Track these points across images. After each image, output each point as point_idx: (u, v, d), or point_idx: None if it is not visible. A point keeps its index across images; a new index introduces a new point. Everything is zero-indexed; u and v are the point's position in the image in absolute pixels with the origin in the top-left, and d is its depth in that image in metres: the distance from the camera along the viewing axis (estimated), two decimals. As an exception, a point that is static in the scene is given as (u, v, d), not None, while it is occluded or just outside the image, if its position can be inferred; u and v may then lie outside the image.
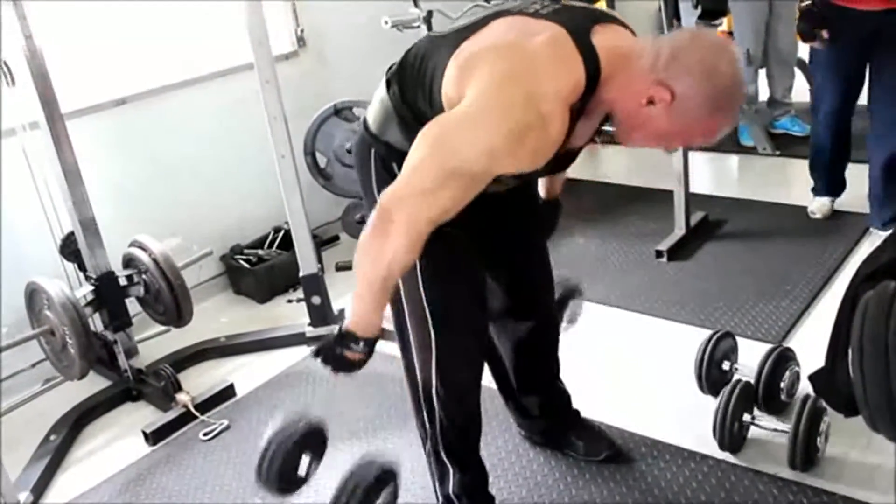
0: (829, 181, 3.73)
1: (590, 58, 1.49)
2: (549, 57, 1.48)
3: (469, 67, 1.52)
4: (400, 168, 1.56)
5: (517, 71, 1.46)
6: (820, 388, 1.32)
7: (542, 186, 2.22)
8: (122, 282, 2.98)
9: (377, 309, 1.60)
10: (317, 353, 1.68)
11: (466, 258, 1.88)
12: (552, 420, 2.43)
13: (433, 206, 1.48)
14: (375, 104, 1.81)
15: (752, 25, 4.54)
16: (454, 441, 2.07)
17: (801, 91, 4.94)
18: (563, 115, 1.47)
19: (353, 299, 1.61)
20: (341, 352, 1.63)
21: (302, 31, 4.07)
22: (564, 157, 1.66)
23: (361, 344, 1.62)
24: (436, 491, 2.17)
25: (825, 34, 3.26)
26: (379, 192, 1.66)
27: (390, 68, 1.80)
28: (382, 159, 1.78)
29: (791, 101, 4.84)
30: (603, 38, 1.53)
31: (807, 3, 3.26)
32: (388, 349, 3.05)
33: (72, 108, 3.07)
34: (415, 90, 1.69)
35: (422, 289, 1.86)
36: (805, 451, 2.07)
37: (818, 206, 3.75)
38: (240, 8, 2.85)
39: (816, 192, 3.79)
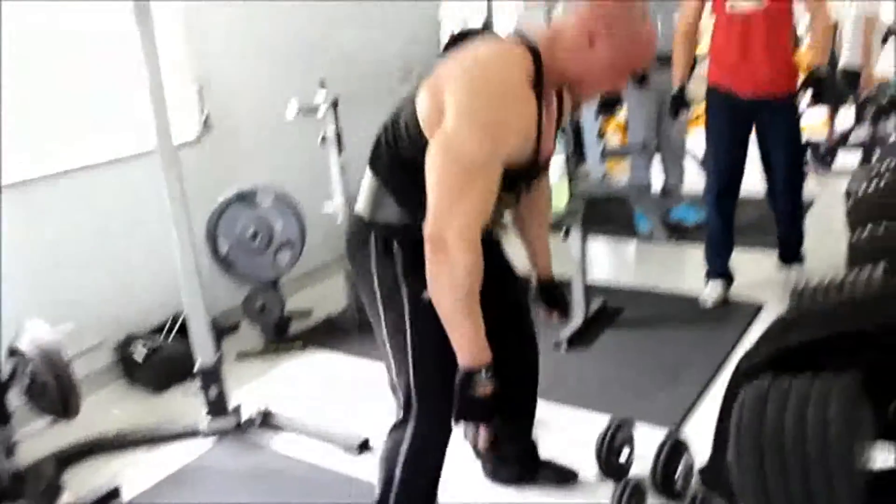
0: (715, 259, 3.95)
1: (525, 39, 1.75)
2: (499, 50, 1.75)
3: (438, 87, 1.70)
4: (399, 244, 1.81)
5: (481, 69, 1.68)
6: (707, 479, 1.34)
7: (532, 269, 2.30)
8: (5, 374, 2.82)
9: (478, 330, 1.69)
10: (458, 417, 1.77)
11: None
12: (526, 464, 2.57)
13: (471, 207, 1.62)
14: (364, 194, 1.93)
15: (644, 117, 4.77)
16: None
17: (694, 182, 5.18)
18: (528, 91, 1.69)
19: (454, 338, 1.70)
20: (474, 394, 1.69)
21: (207, 115, 4.05)
22: (546, 163, 1.91)
23: (483, 373, 1.70)
24: None
25: (683, 118, 3.91)
26: (378, 271, 1.87)
27: (372, 157, 1.95)
28: (384, 240, 1.87)
29: (684, 190, 5.06)
30: (532, 31, 1.80)
31: (673, 90, 3.82)
32: (281, 443, 3.01)
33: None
34: (395, 147, 1.83)
35: (411, 366, 1.92)
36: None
37: (711, 289, 3.90)
38: (143, 92, 2.82)
39: (709, 275, 3.96)
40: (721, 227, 3.88)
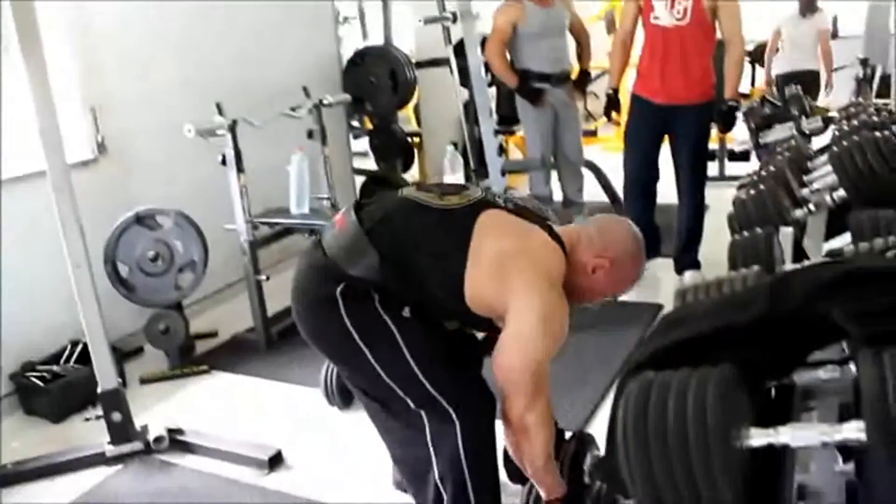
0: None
1: (561, 247, 2.03)
2: (549, 253, 2.00)
3: (501, 276, 1.94)
4: (375, 290, 1.95)
5: (541, 271, 1.96)
6: (601, 474, 1.41)
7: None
8: None
9: (556, 468, 2.07)
10: None
11: (462, 345, 2.21)
12: None
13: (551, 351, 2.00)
14: (347, 249, 2.01)
15: (539, 132, 4.92)
16: None
17: (592, 192, 5.34)
18: (563, 265, 2.03)
19: (541, 481, 2.04)
20: None
21: (102, 137, 3.97)
22: None
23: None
24: None
25: (616, 116, 4.38)
26: (352, 314, 1.96)
27: (360, 209, 2.08)
28: (355, 288, 1.96)
29: (583, 201, 5.21)
30: (562, 233, 2.09)
31: (608, 91, 4.36)
32: (191, 462, 2.97)
33: None
34: (407, 256, 1.99)
35: (421, 377, 1.99)
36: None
37: None
38: (31, 112, 2.76)
39: None
40: (639, 207, 4.27)
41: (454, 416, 2.00)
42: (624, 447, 1.14)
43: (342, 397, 3.11)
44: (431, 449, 2.03)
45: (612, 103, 4.39)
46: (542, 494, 2.03)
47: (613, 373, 3.31)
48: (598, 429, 2.87)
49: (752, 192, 2.44)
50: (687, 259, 4.22)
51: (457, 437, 2.01)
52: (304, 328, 2.10)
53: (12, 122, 3.54)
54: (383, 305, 1.97)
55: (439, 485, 2.05)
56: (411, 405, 2.02)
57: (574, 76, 5.07)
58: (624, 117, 4.61)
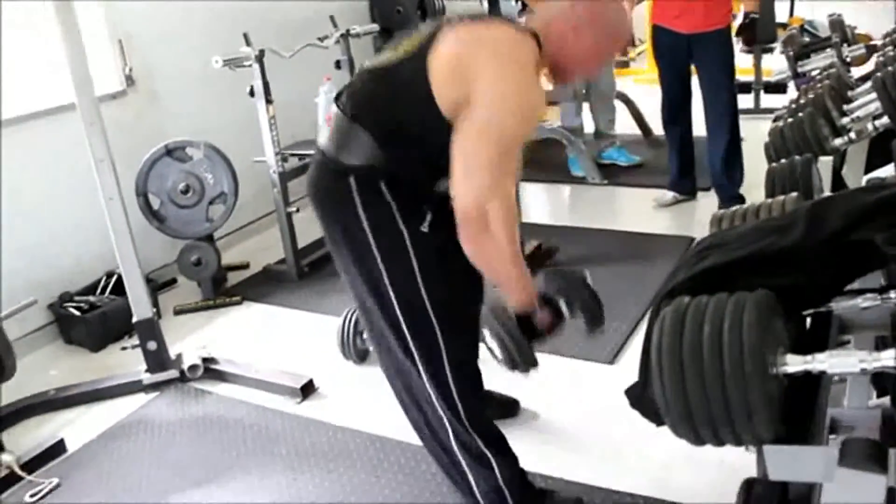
0: (673, 176, 4.36)
1: (528, 28, 1.91)
2: (515, 37, 1.84)
3: (461, 64, 1.77)
4: (387, 186, 1.87)
5: (509, 54, 1.79)
6: (633, 401, 1.40)
7: None
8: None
9: (526, 276, 1.87)
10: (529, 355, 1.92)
11: (459, 259, 1.93)
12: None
13: (510, 177, 1.80)
14: (334, 136, 1.96)
15: None
16: (484, 427, 2.12)
17: (624, 124, 5.26)
18: (536, 72, 1.85)
19: (510, 291, 1.86)
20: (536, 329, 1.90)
21: (130, 69, 3.96)
22: None
23: (538, 307, 1.90)
24: (476, 497, 2.13)
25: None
26: (369, 218, 1.90)
27: (340, 96, 2.00)
28: (366, 182, 1.89)
29: (615, 133, 5.14)
30: (529, 19, 2.00)
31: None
32: (225, 391, 3.03)
33: None
34: (392, 99, 1.90)
35: (424, 292, 1.96)
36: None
37: (662, 195, 4.42)
38: (60, 45, 2.75)
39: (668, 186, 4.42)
40: (674, 148, 4.29)
41: (441, 340, 2.00)
42: (658, 371, 1.14)
43: (357, 354, 3.10)
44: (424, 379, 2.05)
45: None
46: (511, 306, 1.87)
47: (644, 305, 3.29)
48: (630, 361, 2.89)
49: (791, 120, 2.39)
50: (726, 192, 4.10)
51: (442, 362, 2.03)
52: (322, 224, 2.07)
53: (39, 57, 3.55)
54: (403, 216, 1.91)
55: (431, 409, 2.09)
56: (403, 327, 2.00)
57: None
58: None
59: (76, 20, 2.76)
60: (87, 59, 2.81)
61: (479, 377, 2.19)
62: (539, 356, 2.94)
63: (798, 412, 1.25)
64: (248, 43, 3.71)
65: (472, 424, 2.08)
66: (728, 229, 1.52)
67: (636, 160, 5.09)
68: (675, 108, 4.21)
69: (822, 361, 1.17)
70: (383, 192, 1.90)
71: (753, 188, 3.95)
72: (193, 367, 3.08)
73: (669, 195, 4.39)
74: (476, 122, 1.75)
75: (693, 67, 4.13)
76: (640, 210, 4.55)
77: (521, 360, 1.91)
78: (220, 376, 3.10)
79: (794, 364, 1.17)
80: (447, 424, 2.07)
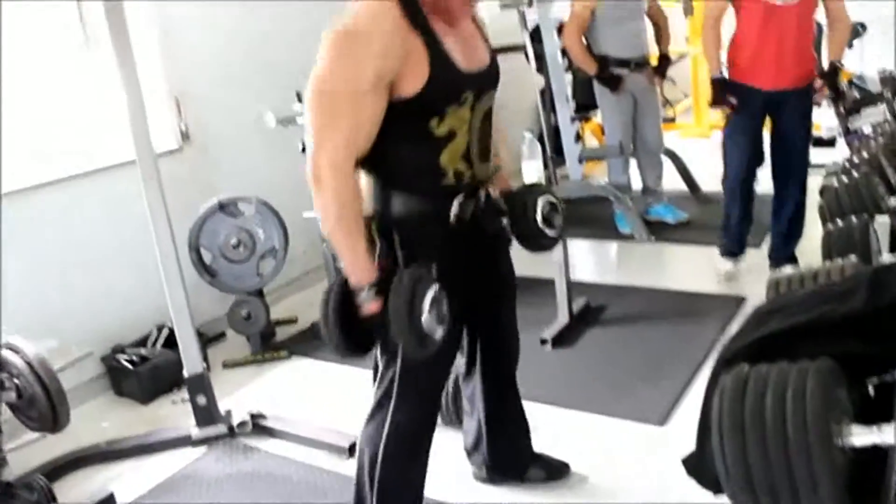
0: (734, 241, 4.07)
1: None
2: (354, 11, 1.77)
3: None
4: (398, 233, 1.87)
5: (339, 19, 1.75)
6: (690, 469, 1.38)
7: (496, 185, 2.17)
8: (-8, 387, 2.83)
9: (358, 251, 1.79)
10: (341, 331, 1.81)
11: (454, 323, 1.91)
12: (518, 457, 2.60)
13: (340, 134, 1.72)
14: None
15: (619, 119, 4.84)
16: None
17: (671, 180, 5.25)
18: (389, 15, 1.74)
19: (341, 259, 1.81)
20: (358, 309, 1.78)
21: (186, 126, 4.07)
22: (483, 72, 1.92)
23: (366, 291, 1.78)
24: None
25: (733, 100, 3.74)
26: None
27: None
28: (381, 230, 1.90)
29: (662, 189, 5.12)
30: None
31: (716, 75, 3.81)
32: (273, 447, 3.03)
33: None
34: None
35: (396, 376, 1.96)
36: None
37: (722, 264, 4.13)
38: (121, 103, 2.84)
39: (723, 252, 4.12)
40: (739, 212, 3.99)
41: (395, 393, 2.00)
42: (719, 439, 1.12)
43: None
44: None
45: (724, 88, 3.81)
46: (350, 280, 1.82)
47: (694, 365, 3.25)
48: (680, 423, 2.84)
49: (845, 179, 2.36)
50: (784, 253, 3.96)
51: (386, 413, 2.02)
52: None
53: (96, 115, 3.67)
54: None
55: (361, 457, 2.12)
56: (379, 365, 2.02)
57: (653, 61, 4.98)
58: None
59: (138, 78, 2.85)
60: (146, 116, 2.90)
61: (419, 450, 2.13)
62: (588, 416, 2.96)
63: (864, 485, 1.22)
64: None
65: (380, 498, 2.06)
66: (786, 294, 1.50)
67: (684, 217, 5.06)
68: (748, 170, 3.91)
69: (889, 432, 1.14)
70: (394, 242, 1.90)
71: (803, 243, 3.90)
72: (242, 423, 3.09)
73: (729, 264, 4.11)
74: (308, 82, 1.78)
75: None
76: (689, 268, 4.51)
77: (328, 341, 1.85)
78: (269, 432, 3.11)
79: (860, 434, 1.15)
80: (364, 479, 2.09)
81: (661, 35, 5.03)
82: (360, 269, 1.80)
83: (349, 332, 1.83)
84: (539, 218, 2.07)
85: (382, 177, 1.90)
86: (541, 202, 2.08)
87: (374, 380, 2.06)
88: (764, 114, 3.79)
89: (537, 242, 2.12)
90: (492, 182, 2.11)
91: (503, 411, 2.48)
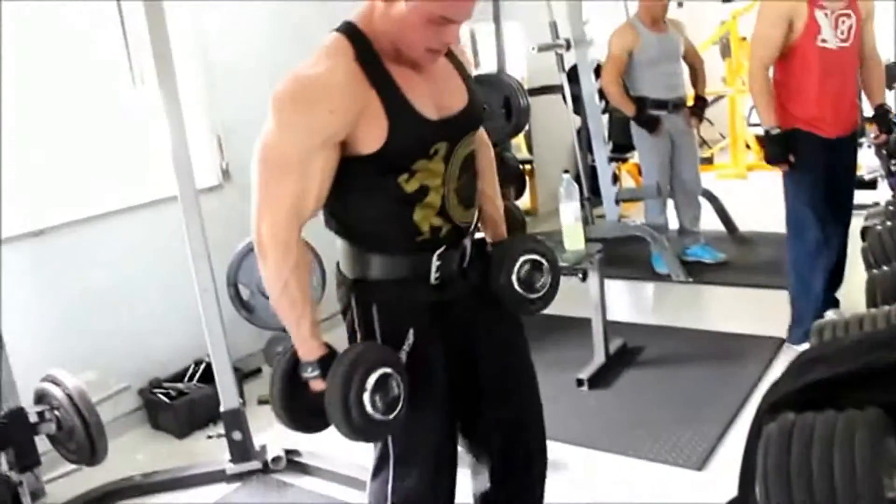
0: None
1: (343, 26, 1.66)
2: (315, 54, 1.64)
3: None
4: (377, 305, 1.73)
5: (285, 76, 1.63)
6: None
7: (484, 230, 2.01)
8: (33, 418, 2.87)
9: (301, 324, 1.67)
10: (285, 405, 1.72)
11: (440, 388, 1.78)
12: None
13: (283, 200, 1.61)
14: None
15: (657, 160, 4.84)
16: None
17: (707, 220, 5.22)
18: (342, 67, 1.59)
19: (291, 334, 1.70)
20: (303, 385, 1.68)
21: (227, 164, 4.14)
22: (458, 117, 1.72)
23: (309, 369, 1.67)
24: None
25: (792, 158, 3.47)
26: (361, 330, 1.78)
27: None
28: (362, 303, 1.78)
29: (700, 230, 5.09)
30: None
31: (775, 130, 3.46)
32: (307, 483, 3.02)
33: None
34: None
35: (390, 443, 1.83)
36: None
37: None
38: (165, 140, 2.89)
39: (795, 337, 3.65)
40: (820, 278, 3.56)
41: (391, 463, 1.85)
42: (764, 492, 1.10)
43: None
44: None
45: (782, 142, 3.46)
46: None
47: (733, 409, 3.20)
48: (720, 468, 2.79)
49: (889, 222, 2.33)
50: (827, 297, 3.71)
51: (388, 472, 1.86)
52: None
53: (140, 151, 3.74)
54: (383, 334, 1.75)
55: None
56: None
57: (690, 102, 4.99)
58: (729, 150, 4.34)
59: (183, 116, 2.91)
60: (190, 154, 2.95)
61: None
62: (624, 459, 2.92)
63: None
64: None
65: None
66: (831, 341, 1.47)
67: (721, 257, 5.03)
68: (826, 231, 3.52)
69: (940, 486, 1.11)
70: (371, 309, 1.76)
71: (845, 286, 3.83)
72: (277, 459, 3.10)
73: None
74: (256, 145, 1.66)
75: None
76: (726, 308, 4.47)
77: (276, 413, 1.76)
78: (303, 469, 3.10)
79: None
80: None
81: (698, 77, 5.05)
82: (305, 344, 1.69)
83: (296, 407, 1.73)
84: (514, 279, 1.86)
85: (352, 237, 1.77)
86: (519, 262, 1.86)
87: None
88: (827, 163, 3.48)
89: (517, 306, 1.90)
90: (484, 227, 1.98)
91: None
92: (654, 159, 4.86)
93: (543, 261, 1.90)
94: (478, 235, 1.90)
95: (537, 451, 2.05)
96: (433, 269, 1.73)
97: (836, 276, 3.68)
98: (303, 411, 1.74)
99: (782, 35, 3.37)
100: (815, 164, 3.47)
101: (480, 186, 1.93)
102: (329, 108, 1.56)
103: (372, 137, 1.60)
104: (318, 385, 1.67)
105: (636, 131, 4.86)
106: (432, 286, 1.75)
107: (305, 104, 1.58)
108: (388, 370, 1.61)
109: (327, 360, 1.65)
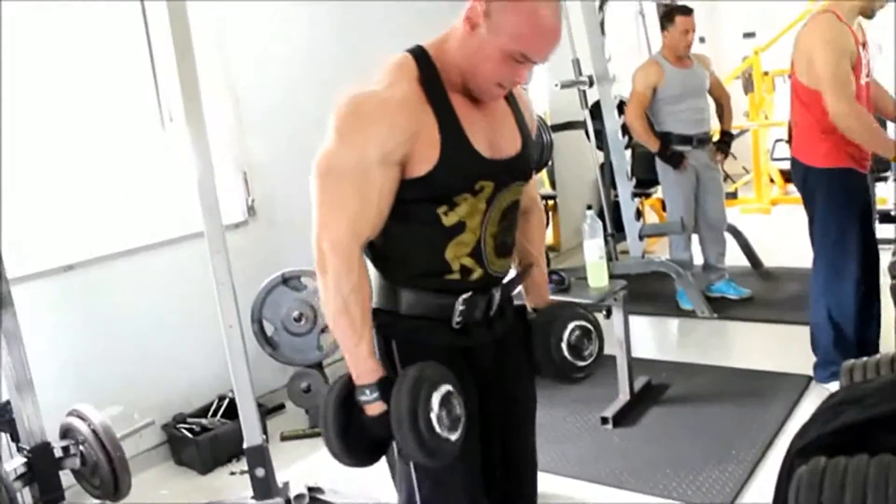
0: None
1: (413, 49, 1.65)
2: (379, 68, 1.63)
3: None
4: (396, 339, 1.69)
5: (351, 88, 1.60)
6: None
7: (527, 296, 1.98)
8: (58, 453, 2.88)
9: (360, 347, 1.59)
10: (341, 434, 1.60)
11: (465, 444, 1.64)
12: None
13: (344, 217, 1.56)
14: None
15: (682, 195, 4.83)
16: None
17: (732, 256, 5.19)
18: (406, 89, 1.58)
19: (343, 350, 1.61)
20: (359, 412, 1.58)
21: (253, 200, 4.18)
22: (509, 162, 1.69)
23: (368, 392, 1.58)
24: None
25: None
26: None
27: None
28: (383, 336, 1.72)
29: (725, 266, 5.06)
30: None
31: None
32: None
33: (17, 274, 3.06)
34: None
35: (415, 484, 1.73)
36: None
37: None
38: (192, 177, 2.93)
39: (822, 376, 3.57)
40: (858, 319, 3.44)
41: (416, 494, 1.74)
42: (796, 538, 1.09)
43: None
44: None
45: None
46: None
47: (760, 447, 3.16)
48: (749, 508, 2.74)
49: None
50: (866, 338, 3.54)
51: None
52: None
53: (166, 187, 3.79)
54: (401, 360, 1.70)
55: None
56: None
57: (715, 137, 4.99)
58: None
59: (210, 154, 2.94)
60: (217, 190, 2.98)
61: None
62: (650, 499, 2.88)
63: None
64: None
65: None
66: (862, 382, 1.45)
67: (745, 293, 4.99)
68: (870, 272, 3.44)
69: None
70: (392, 347, 1.72)
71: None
72: (300, 497, 3.08)
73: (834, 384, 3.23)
74: (315, 158, 1.61)
75: None
76: (752, 345, 4.43)
77: (328, 448, 1.65)
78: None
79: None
80: None
81: (724, 112, 5.05)
82: (362, 366, 1.60)
83: (351, 438, 1.62)
84: (565, 347, 1.82)
85: (384, 266, 1.72)
86: (569, 328, 1.83)
87: (392, 475, 1.89)
88: (866, 200, 3.43)
89: (564, 376, 1.86)
90: (527, 291, 1.95)
91: None
92: (678, 194, 4.85)
93: (592, 329, 1.86)
94: (507, 279, 1.83)
95: None
96: (456, 312, 1.69)
97: (874, 314, 3.52)
98: (357, 440, 1.64)
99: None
100: (860, 202, 3.41)
101: (527, 248, 1.93)
102: (387, 124, 1.55)
103: (422, 160, 1.58)
104: (375, 409, 1.58)
105: (661, 167, 4.86)
106: (454, 330, 1.71)
107: (364, 119, 1.56)
108: (451, 388, 1.55)
109: (387, 383, 1.58)
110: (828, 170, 3.37)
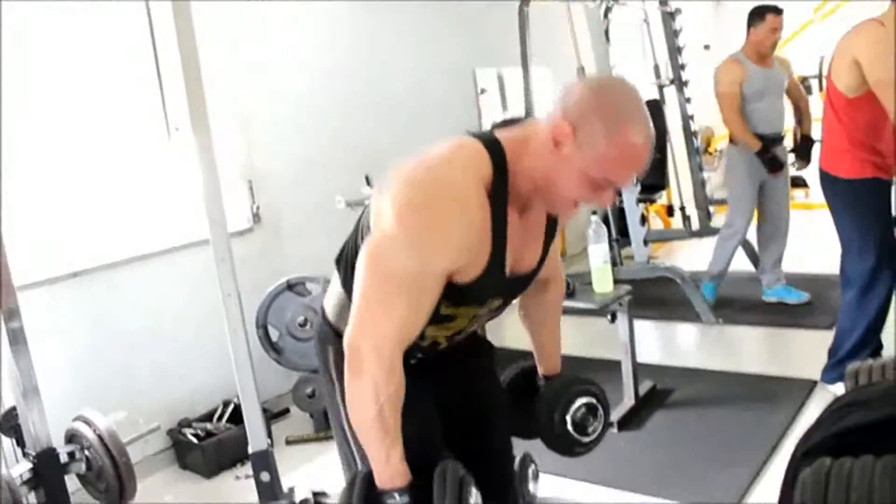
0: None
1: (490, 143, 1.52)
2: (453, 150, 1.51)
3: (382, 188, 1.53)
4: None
5: (424, 170, 1.49)
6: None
7: (538, 362, 2.02)
8: (64, 458, 2.89)
9: (391, 452, 1.48)
10: None
11: (422, 403, 1.64)
12: None
13: (391, 322, 1.45)
14: (330, 294, 1.78)
15: (747, 196, 4.76)
16: None
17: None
18: (479, 198, 1.48)
19: (367, 453, 1.51)
20: None
21: (258, 207, 4.19)
22: (523, 278, 1.67)
23: (397, 496, 1.48)
24: None
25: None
26: (336, 377, 1.67)
27: (338, 256, 1.77)
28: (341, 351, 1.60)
29: (781, 273, 4.96)
30: (505, 131, 1.57)
31: None
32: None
33: (24, 281, 3.07)
34: (355, 247, 1.63)
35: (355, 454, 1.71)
36: None
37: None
38: (198, 185, 2.94)
39: (829, 377, 3.57)
40: (868, 332, 3.44)
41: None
42: (801, 538, 1.08)
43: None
44: None
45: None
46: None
47: (765, 452, 3.15)
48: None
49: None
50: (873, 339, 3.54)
51: None
52: None
53: (172, 195, 3.81)
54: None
55: None
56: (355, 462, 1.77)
57: (794, 142, 4.91)
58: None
59: (216, 163, 2.95)
60: (222, 198, 2.99)
61: None
62: (656, 501, 2.87)
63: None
64: (368, 184, 3.88)
65: None
66: (867, 385, 1.45)
67: (805, 297, 4.83)
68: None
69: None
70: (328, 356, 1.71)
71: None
72: (305, 501, 3.09)
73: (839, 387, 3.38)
74: (368, 244, 1.50)
75: None
76: (756, 349, 4.43)
77: None
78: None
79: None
80: None
81: (803, 115, 4.93)
82: (391, 470, 1.49)
83: None
84: (568, 419, 1.84)
85: (350, 291, 1.59)
86: (576, 404, 1.85)
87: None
88: (890, 208, 3.41)
89: (562, 445, 1.88)
90: (539, 357, 1.98)
91: None
92: (745, 194, 4.77)
93: (599, 407, 1.88)
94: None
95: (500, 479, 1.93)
96: (413, 357, 1.68)
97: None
98: None
99: None
100: (887, 210, 3.39)
101: (542, 318, 1.95)
102: (459, 236, 1.46)
103: (464, 274, 1.52)
104: None
105: (731, 163, 4.80)
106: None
107: (436, 221, 1.44)
108: (468, 476, 1.52)
109: (412, 485, 1.50)
110: (856, 181, 3.35)
